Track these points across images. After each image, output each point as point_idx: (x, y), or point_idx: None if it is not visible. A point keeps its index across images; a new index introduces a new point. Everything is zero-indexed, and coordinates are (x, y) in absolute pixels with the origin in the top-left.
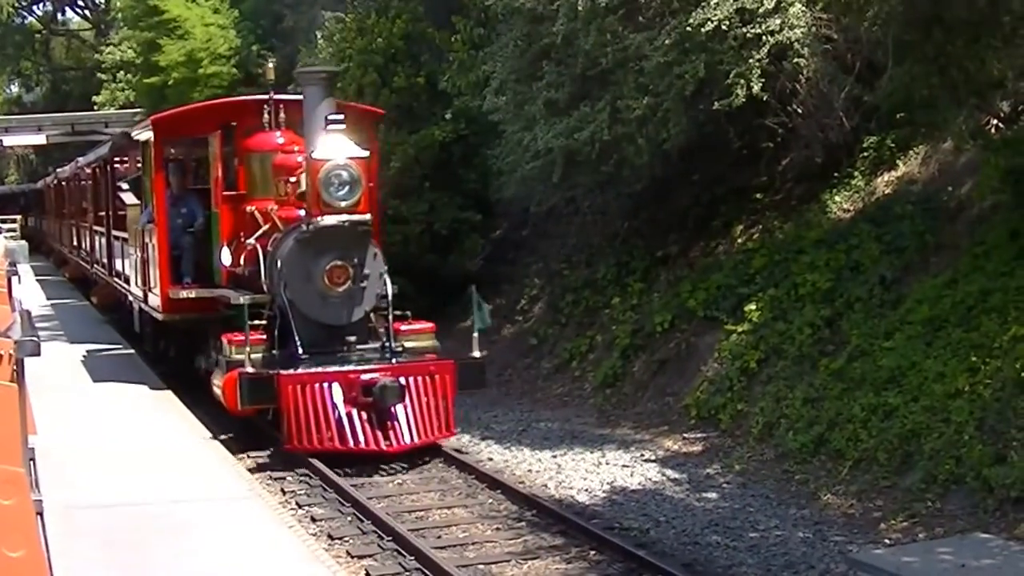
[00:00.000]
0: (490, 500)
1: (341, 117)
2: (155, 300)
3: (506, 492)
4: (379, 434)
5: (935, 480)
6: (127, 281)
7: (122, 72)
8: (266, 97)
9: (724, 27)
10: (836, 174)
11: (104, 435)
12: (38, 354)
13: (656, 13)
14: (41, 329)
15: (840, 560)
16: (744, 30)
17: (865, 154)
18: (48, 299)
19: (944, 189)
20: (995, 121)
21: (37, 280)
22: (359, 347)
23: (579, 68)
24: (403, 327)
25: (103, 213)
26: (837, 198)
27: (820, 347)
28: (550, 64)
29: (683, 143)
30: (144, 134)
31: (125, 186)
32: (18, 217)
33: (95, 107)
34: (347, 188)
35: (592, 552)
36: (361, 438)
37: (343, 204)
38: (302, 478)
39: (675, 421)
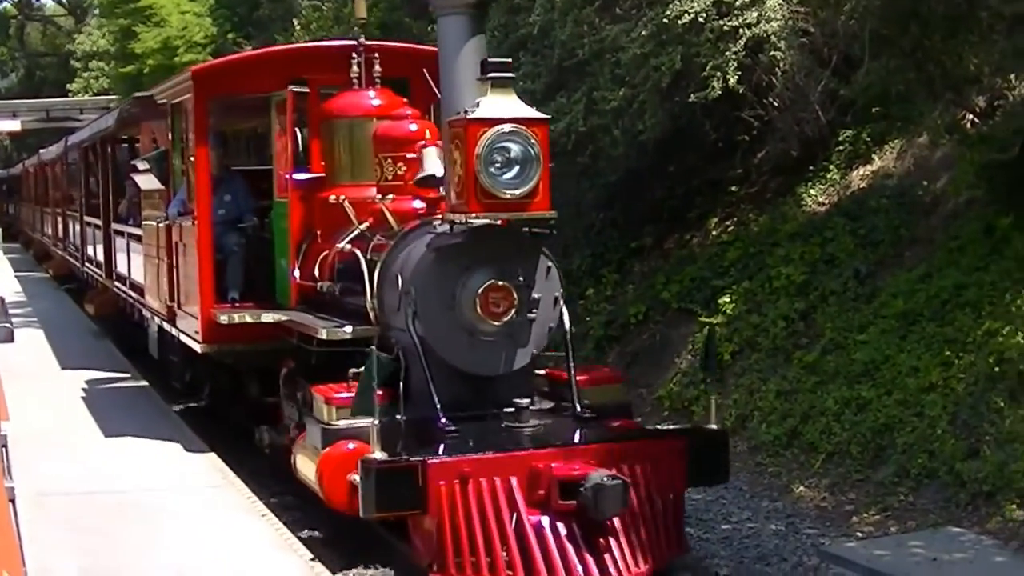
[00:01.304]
0: None
1: (508, 61)
2: (189, 323)
3: None
4: (589, 560)
5: (908, 474)
6: (139, 291)
7: (95, 61)
8: (354, 42)
9: (701, 19)
10: (811, 167)
11: None
12: (11, 340)
13: (633, 5)
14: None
15: (812, 553)
16: (721, 23)
17: (841, 148)
18: (29, 301)
19: (919, 183)
20: (971, 116)
21: (16, 276)
22: (533, 409)
23: (555, 59)
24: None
25: (97, 201)
26: (812, 191)
27: (794, 340)
28: (526, 55)
29: (659, 135)
30: (175, 94)
31: (142, 165)
32: None
33: (69, 95)
34: (518, 168)
35: None
36: (560, 568)
37: (511, 193)
38: None
39: (648, 412)
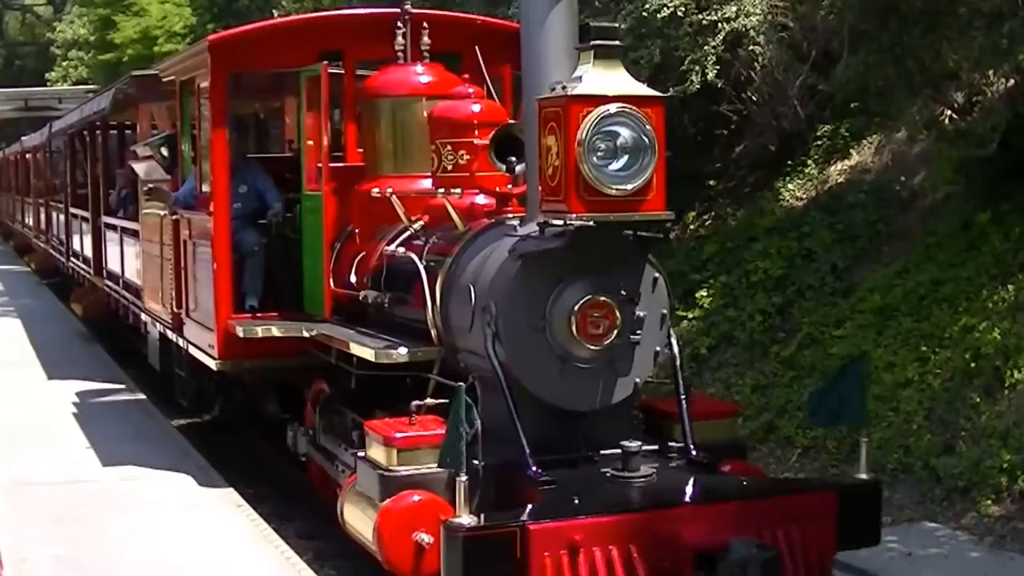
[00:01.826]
0: None
1: (615, 26)
2: (202, 335)
3: None
4: None
5: (883, 469)
6: (134, 292)
7: (75, 50)
8: (397, 10)
9: (680, 13)
10: (789, 162)
11: None
12: None
13: None
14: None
15: None
16: (700, 17)
17: (819, 143)
18: (9, 298)
19: (897, 179)
20: (949, 112)
21: None
22: (642, 450)
23: None
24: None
25: (84, 191)
26: (790, 186)
27: (771, 334)
28: None
29: None
30: (187, 70)
31: (143, 151)
32: None
33: (48, 84)
34: (627, 158)
35: None
36: None
37: (620, 189)
38: None
39: None
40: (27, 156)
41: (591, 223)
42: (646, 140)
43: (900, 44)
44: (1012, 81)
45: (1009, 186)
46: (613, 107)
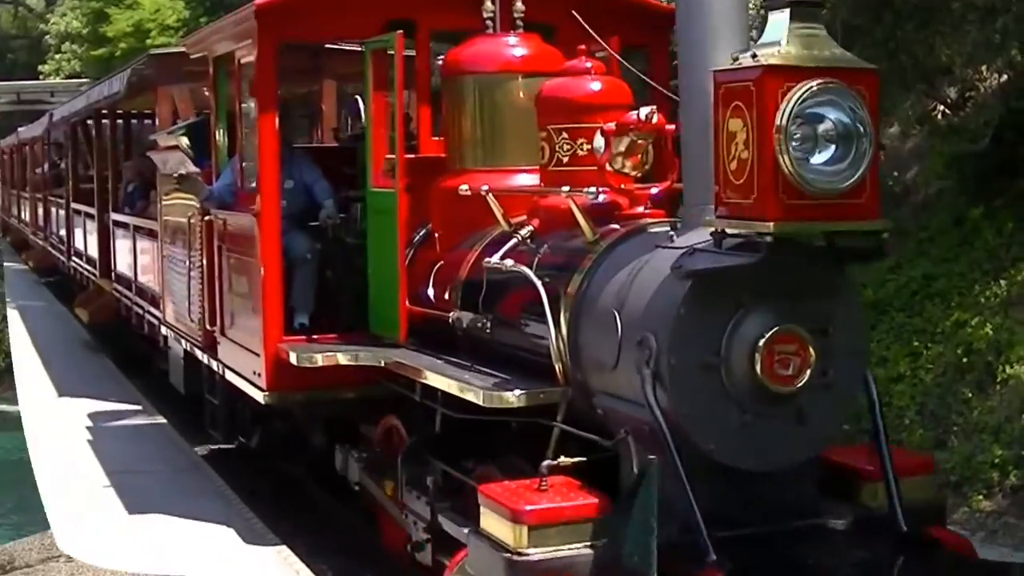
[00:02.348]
0: None
1: None
2: (243, 360)
3: None
4: None
5: None
6: (150, 299)
7: (67, 43)
8: None
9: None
10: None
11: None
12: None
13: None
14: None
15: None
16: None
17: None
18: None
19: (890, 174)
20: (942, 107)
21: None
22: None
23: None
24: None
25: (89, 185)
26: None
27: None
28: None
29: None
30: (224, 42)
31: (165, 140)
32: None
33: (40, 77)
34: (835, 149)
35: None
36: None
37: (827, 188)
38: None
39: None
40: (24, 148)
41: (788, 233)
42: (860, 126)
43: (893, 39)
44: (1005, 76)
45: (1002, 181)
46: (815, 83)
